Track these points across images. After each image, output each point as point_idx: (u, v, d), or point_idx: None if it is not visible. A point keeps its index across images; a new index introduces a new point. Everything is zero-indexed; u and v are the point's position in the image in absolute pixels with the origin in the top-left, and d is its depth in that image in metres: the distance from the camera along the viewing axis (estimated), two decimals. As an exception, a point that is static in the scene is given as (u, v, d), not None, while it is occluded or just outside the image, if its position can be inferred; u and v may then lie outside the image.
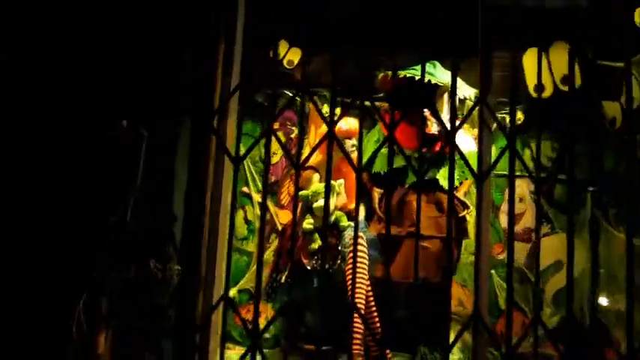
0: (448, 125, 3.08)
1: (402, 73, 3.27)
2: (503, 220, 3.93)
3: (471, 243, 3.58)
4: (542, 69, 3.21)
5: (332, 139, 1.80)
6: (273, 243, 3.70)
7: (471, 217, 3.81)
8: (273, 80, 3.21)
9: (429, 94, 3.40)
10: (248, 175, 3.95)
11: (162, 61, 2.34)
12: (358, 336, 2.70)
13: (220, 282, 2.87)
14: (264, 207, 1.87)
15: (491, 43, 1.91)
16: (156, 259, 2.35)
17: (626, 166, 2.30)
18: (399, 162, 2.89)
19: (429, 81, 3.27)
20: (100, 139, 2.26)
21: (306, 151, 3.02)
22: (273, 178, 3.91)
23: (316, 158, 3.11)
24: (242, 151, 2.03)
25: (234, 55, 2.19)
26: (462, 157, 1.75)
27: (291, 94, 3.64)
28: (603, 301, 3.44)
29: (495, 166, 1.76)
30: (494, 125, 1.95)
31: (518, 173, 3.53)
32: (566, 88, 3.38)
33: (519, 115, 3.87)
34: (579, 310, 3.78)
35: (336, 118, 3.18)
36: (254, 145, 1.90)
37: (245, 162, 3.78)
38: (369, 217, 3.44)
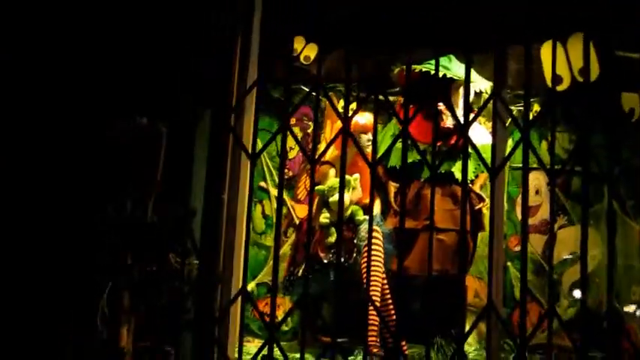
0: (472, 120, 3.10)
1: (417, 68, 3.26)
2: (520, 213, 3.91)
3: (487, 235, 3.57)
4: (560, 61, 3.19)
5: (346, 135, 1.82)
6: (291, 237, 3.73)
7: (487, 209, 3.80)
8: (290, 76, 3.23)
9: (444, 88, 3.39)
10: (265, 170, 3.97)
11: (181, 58, 2.37)
12: (374, 328, 2.72)
13: (238, 276, 2.91)
14: (280, 201, 1.89)
15: (505, 36, 1.91)
16: (176, 254, 2.39)
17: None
18: (414, 156, 2.89)
19: (445, 75, 3.25)
20: (121, 135, 2.30)
21: (322, 147, 3.04)
22: (290, 174, 3.93)
23: (332, 153, 3.13)
24: (259, 146, 2.05)
25: (250, 52, 2.21)
26: (476, 150, 1.75)
27: (307, 90, 3.66)
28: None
29: (508, 160, 1.76)
30: (509, 119, 1.95)
31: (535, 166, 3.52)
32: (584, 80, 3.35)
33: (537, 107, 3.84)
34: (597, 301, 3.76)
35: (351, 113, 3.20)
36: (270, 141, 1.93)
37: (262, 157, 3.80)
38: (385, 211, 3.45)
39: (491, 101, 1.86)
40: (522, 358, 1.67)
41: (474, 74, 3.15)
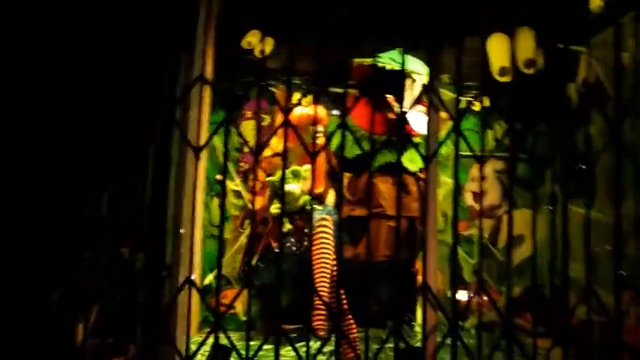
0: (412, 111, 3.17)
1: (367, 61, 3.31)
2: (468, 198, 4.03)
3: (437, 222, 3.67)
4: (506, 53, 3.29)
5: (287, 126, 1.85)
6: (248, 228, 3.77)
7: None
8: (242, 70, 3.24)
9: (395, 81, 3.45)
10: (222, 163, 3.99)
11: (132, 54, 2.36)
12: (320, 312, 2.78)
13: (196, 267, 2.92)
14: (223, 193, 1.92)
15: (440, 29, 1.96)
16: (128, 249, 2.40)
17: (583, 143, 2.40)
18: (366, 146, 2.94)
19: (392, 68, 3.31)
20: (77, 134, 2.29)
21: (275, 140, 3.06)
22: (246, 166, 3.95)
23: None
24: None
25: (195, 45, 2.21)
26: (409, 140, 1.81)
27: (264, 83, 3.69)
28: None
29: (439, 149, 1.83)
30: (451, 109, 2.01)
31: (486, 154, 3.61)
32: (530, 71, 3.46)
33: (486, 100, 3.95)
34: (540, 280, 3.91)
35: (308, 105, 3.22)
36: (213, 134, 1.95)
37: (220, 150, 3.81)
38: (338, 201, 3.50)
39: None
40: (454, 334, 1.74)
41: (423, 67, 3.23)
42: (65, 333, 2.29)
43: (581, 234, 2.07)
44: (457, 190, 1.83)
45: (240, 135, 1.99)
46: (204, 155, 3.97)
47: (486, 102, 3.89)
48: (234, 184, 3.98)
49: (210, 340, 1.82)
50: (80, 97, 2.33)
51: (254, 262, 3.01)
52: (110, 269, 2.29)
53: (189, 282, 1.76)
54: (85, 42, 2.33)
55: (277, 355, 1.82)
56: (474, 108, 3.75)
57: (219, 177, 3.93)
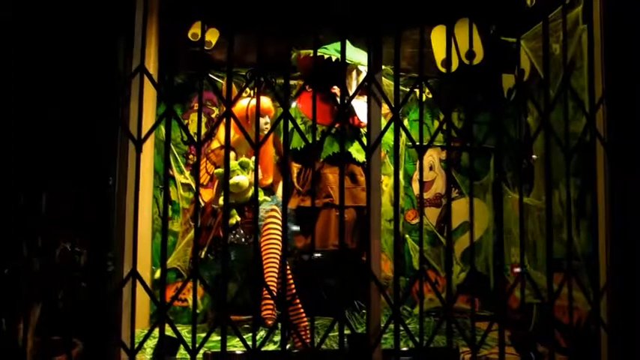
0: (359, 102, 3.19)
1: (311, 53, 3.32)
2: (416, 188, 4.11)
3: (387, 210, 3.74)
4: (449, 45, 3.35)
5: (229, 117, 1.84)
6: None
7: (386, 186, 3.96)
8: (187, 62, 3.19)
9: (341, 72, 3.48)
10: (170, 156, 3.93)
11: (70, 41, 2.29)
12: (268, 302, 2.80)
13: (144, 260, 2.87)
14: (166, 186, 1.90)
15: (381, 20, 1.98)
16: (71, 244, 2.33)
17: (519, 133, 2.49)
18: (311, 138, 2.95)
19: (337, 59, 3.33)
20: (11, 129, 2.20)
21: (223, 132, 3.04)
22: (194, 159, 3.90)
23: (233, 137, 3.14)
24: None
25: (134, 37, 2.16)
26: (353, 130, 1.83)
27: (208, 75, 3.65)
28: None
29: (380, 139, 1.85)
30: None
31: (438, 143, 3.67)
32: (471, 62, 3.54)
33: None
34: (484, 265, 4.04)
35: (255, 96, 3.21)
36: (154, 126, 1.91)
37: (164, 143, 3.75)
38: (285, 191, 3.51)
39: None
40: (396, 320, 1.78)
41: (365, 57, 3.25)
42: (6, 332, 2.22)
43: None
44: (397, 180, 1.86)
45: (182, 127, 1.96)
46: (150, 148, 3.90)
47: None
48: (183, 177, 3.93)
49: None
50: (14, 90, 2.25)
51: (202, 254, 2.98)
52: (51, 266, 2.23)
53: (134, 274, 1.74)
54: (15, 27, 2.25)
55: (224, 346, 1.81)
56: (424, 98, 3.82)
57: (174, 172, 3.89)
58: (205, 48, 3.55)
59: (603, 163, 2.16)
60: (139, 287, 1.75)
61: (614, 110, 2.14)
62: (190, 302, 3.78)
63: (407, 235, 4.00)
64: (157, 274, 3.64)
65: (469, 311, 2.02)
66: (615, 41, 2.23)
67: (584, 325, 2.71)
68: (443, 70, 3.55)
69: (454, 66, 3.53)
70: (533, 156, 3.36)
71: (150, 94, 2.52)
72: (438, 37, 3.56)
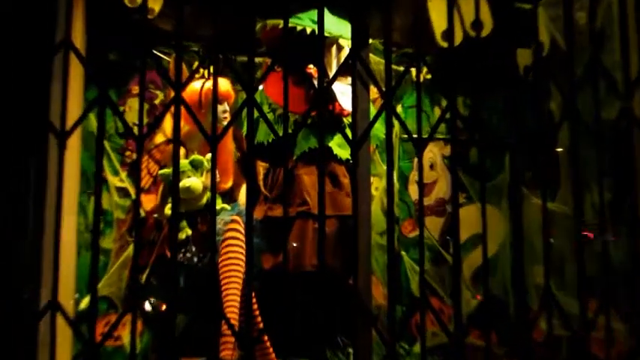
0: (339, 85, 3.21)
1: (280, 23, 3.33)
2: (414, 192, 4.14)
3: (378, 221, 3.76)
4: (450, 15, 3.40)
5: (179, 104, 1.84)
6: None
7: (376, 190, 4.00)
8: (124, 35, 3.18)
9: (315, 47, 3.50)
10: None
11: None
12: (228, 339, 2.80)
13: (66, 286, 2.86)
14: (97, 190, 1.89)
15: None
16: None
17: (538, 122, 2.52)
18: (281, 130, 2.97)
19: (313, 31, 3.35)
20: None
21: (169, 123, 3.03)
22: (133, 156, 3.90)
23: (184, 129, 3.14)
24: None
25: (57, 2, 2.16)
26: (334, 121, 1.85)
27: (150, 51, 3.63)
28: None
29: (369, 132, 1.87)
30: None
31: (441, 136, 3.71)
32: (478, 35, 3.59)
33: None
34: (501, 288, 4.09)
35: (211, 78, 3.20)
36: (84, 115, 1.91)
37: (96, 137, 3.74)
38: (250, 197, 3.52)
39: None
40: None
41: (347, 30, 3.27)
42: None
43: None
44: (390, 182, 1.88)
45: (119, 115, 1.96)
46: (75, 143, 3.88)
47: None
48: (117, 180, 3.91)
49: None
50: None
51: (142, 278, 2.98)
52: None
53: (53, 306, 1.73)
54: None
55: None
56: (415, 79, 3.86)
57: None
58: (147, 16, 3.54)
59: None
60: (61, 321, 1.75)
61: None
62: (126, 340, 3.76)
63: (403, 252, 4.04)
64: (83, 304, 3.61)
65: (483, 348, 2.05)
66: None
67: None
68: (444, 44, 3.59)
69: (457, 39, 3.58)
70: (558, 149, 3.42)
71: (77, 73, 2.51)
72: (437, 4, 3.60)
